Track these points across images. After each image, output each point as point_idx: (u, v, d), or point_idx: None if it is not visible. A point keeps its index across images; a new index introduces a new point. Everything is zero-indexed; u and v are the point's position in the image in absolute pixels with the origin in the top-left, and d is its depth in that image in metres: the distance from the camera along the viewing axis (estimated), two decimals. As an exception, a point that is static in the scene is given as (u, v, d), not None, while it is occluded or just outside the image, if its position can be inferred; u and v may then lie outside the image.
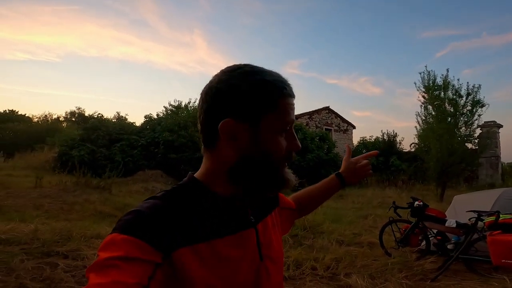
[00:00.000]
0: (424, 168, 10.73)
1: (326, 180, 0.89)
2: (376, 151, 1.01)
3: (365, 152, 0.93)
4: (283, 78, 0.57)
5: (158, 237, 0.47)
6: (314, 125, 18.39)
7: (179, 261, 0.48)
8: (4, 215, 4.98)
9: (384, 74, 46.19)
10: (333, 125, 19.52)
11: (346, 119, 20.09)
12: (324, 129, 18.25)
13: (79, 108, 26.21)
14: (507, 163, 16.07)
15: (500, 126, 13.41)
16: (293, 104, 0.57)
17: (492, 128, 12.93)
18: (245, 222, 0.59)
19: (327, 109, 19.33)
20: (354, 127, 20.44)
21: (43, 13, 34.08)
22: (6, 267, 2.76)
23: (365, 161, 0.89)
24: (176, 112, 16.48)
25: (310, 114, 18.65)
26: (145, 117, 17.10)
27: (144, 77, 44.97)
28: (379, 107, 44.11)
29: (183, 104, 17.38)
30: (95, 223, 4.94)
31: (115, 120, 17.89)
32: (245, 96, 0.53)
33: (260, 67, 0.57)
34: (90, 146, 13.09)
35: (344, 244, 4.52)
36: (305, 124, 17.09)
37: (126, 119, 17.74)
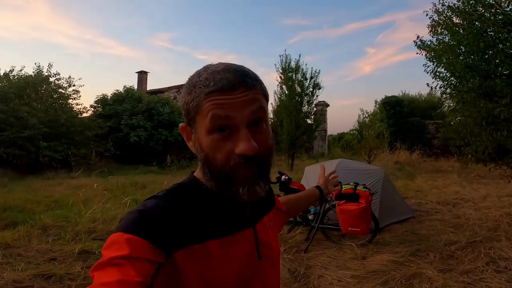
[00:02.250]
0: (279, 140, 12.39)
1: (309, 190, 1.04)
2: (334, 170, 1.20)
3: None
4: (212, 74, 0.53)
5: (161, 237, 0.47)
6: (183, 100, 18.04)
7: (181, 261, 0.49)
8: None
9: (248, 53, 49.76)
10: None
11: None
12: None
13: None
14: (329, 135, 20.92)
15: (327, 105, 17.10)
16: (223, 99, 0.51)
17: (323, 107, 16.34)
18: (244, 222, 0.60)
19: (196, 83, 19.02)
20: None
21: None
22: None
23: (333, 175, 1.12)
24: (-10, 82, 11.85)
25: (179, 88, 17.83)
26: None
27: None
28: (243, 84, 47.13)
29: (1, 72, 12.63)
30: None
31: None
32: (183, 101, 0.56)
33: (207, 66, 0.56)
34: None
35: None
36: (172, 98, 16.18)
37: None
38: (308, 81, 11.45)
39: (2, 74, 12.60)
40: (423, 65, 4.93)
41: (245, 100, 0.52)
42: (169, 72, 47.69)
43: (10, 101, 10.85)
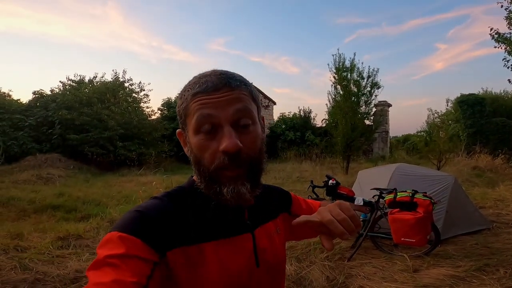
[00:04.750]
0: (333, 142, 11.92)
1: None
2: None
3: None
4: (199, 78, 0.56)
5: (157, 237, 0.48)
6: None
7: (173, 261, 0.49)
8: None
9: (301, 55, 49.57)
10: (257, 101, 19.83)
11: (268, 95, 20.61)
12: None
13: None
14: (392, 137, 19.30)
15: (389, 105, 15.83)
16: (207, 98, 0.53)
17: (384, 107, 15.19)
18: (242, 226, 0.59)
19: (251, 85, 19.44)
20: (275, 103, 21.18)
21: None
22: None
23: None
24: (78, 88, 13.99)
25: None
26: (34, 93, 13.96)
27: (37, 50, 36.81)
28: (296, 85, 46.93)
29: (86, 78, 14.82)
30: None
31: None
32: (177, 107, 0.59)
33: (200, 73, 0.58)
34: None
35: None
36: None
37: (9, 95, 14.13)
38: (365, 80, 10.79)
39: (87, 81, 14.77)
40: (503, 59, 4.27)
41: (229, 99, 0.53)
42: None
43: (94, 105, 12.64)
